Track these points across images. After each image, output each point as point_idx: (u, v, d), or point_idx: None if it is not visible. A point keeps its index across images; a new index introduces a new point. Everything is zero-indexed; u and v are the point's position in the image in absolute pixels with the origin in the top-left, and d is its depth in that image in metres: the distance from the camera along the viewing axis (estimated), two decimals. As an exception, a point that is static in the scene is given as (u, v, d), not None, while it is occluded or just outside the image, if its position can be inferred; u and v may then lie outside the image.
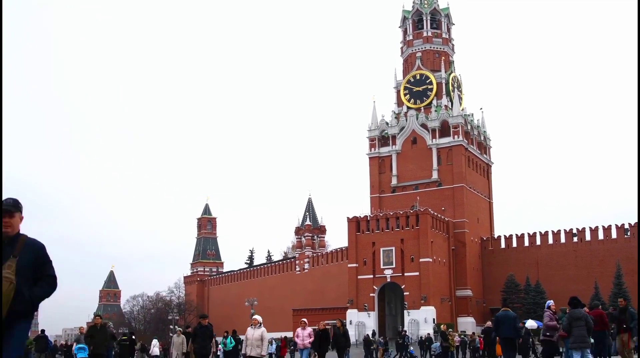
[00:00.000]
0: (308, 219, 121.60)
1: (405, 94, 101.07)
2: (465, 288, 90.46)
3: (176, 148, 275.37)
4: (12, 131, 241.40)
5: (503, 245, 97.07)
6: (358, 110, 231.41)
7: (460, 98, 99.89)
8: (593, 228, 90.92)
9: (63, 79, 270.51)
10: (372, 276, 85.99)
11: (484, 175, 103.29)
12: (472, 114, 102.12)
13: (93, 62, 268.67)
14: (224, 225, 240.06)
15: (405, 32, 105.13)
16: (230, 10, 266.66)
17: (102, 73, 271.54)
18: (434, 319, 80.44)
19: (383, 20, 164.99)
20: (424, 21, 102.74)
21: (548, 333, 18.64)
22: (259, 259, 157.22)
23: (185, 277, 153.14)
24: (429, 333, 58.81)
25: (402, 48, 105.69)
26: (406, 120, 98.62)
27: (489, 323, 33.15)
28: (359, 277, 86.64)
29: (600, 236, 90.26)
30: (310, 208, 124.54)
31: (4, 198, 5.51)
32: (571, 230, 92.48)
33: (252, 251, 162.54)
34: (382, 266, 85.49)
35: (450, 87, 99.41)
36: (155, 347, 40.13)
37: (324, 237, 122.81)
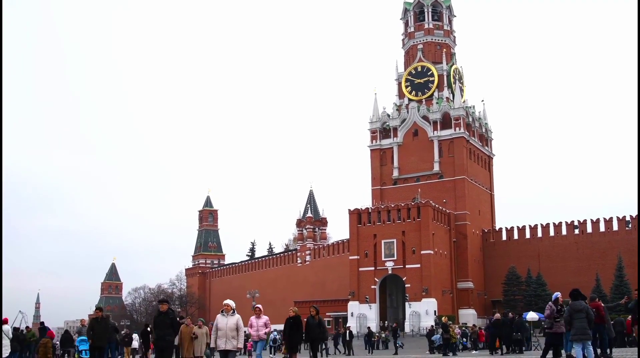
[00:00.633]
0: (309, 211, 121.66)
1: (406, 86, 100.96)
2: (466, 280, 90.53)
3: (178, 141, 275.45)
4: (14, 123, 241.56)
5: (504, 237, 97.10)
6: (359, 102, 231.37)
7: (461, 90, 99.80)
8: (594, 220, 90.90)
9: (65, 73, 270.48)
10: (373, 268, 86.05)
11: (486, 167, 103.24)
12: (474, 106, 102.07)
13: (95, 53, 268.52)
14: (225, 217, 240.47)
15: (406, 24, 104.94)
16: (232, 2, 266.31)
17: (104, 65, 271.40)
18: (435, 311, 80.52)
19: (384, 12, 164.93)
20: (426, 13, 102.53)
21: (545, 325, 18.70)
22: (261, 251, 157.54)
23: (186, 269, 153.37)
24: (432, 325, 58.83)
25: (403, 40, 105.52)
26: (407, 112, 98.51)
27: (497, 316, 33.02)
28: (360, 269, 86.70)
29: (602, 228, 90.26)
30: (311, 200, 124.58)
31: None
32: (572, 222, 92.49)
33: (253, 244, 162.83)
34: (383, 259, 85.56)
35: (452, 79, 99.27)
36: (135, 341, 39.99)
37: (325, 229, 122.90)
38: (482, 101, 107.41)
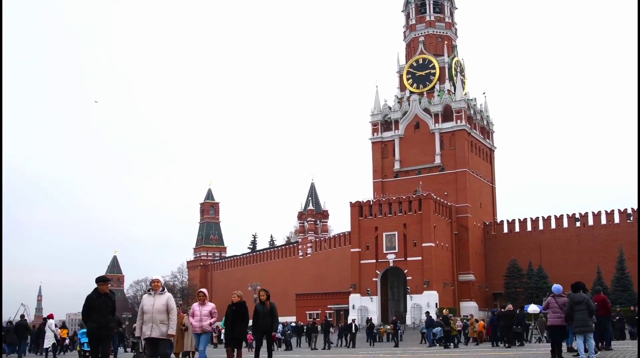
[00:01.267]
0: (311, 204, 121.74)
1: (408, 79, 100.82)
2: (467, 273, 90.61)
3: (179, 134, 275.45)
4: (16, 116, 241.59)
5: (506, 230, 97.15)
6: (361, 95, 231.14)
7: (463, 82, 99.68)
8: (596, 212, 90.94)
9: (70, 67, 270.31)
10: (374, 260, 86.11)
11: (487, 160, 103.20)
12: (475, 99, 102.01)
13: (100, 46, 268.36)
14: (226, 210, 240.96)
15: (408, 16, 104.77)
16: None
17: (109, 59, 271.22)
18: (436, 304, 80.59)
19: (385, 4, 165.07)
20: (427, 5, 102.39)
21: (544, 318, 18.76)
22: (262, 244, 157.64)
23: (188, 262, 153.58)
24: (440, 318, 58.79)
25: (404, 32, 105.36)
26: (409, 105, 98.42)
27: (510, 307, 32.93)
28: (362, 262, 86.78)
29: (603, 221, 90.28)
30: (313, 193, 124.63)
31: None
32: (574, 214, 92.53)
33: (254, 236, 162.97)
34: (384, 251, 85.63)
35: (453, 72, 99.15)
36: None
37: (326, 222, 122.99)
38: (484, 93, 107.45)
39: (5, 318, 35.36)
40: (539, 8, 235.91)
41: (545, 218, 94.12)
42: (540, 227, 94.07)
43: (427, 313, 46.01)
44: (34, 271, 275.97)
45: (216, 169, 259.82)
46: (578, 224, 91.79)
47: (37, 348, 34.74)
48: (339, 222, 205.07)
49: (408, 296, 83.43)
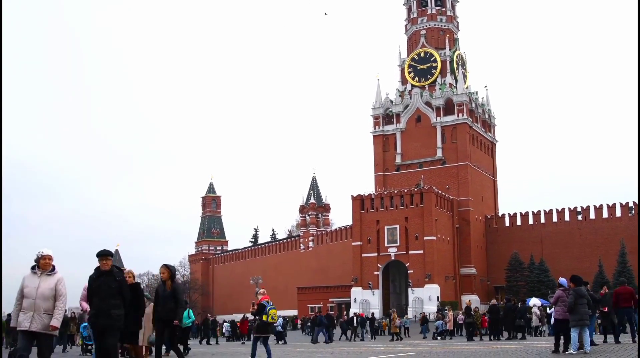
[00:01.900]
0: (312, 197, 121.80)
1: (409, 72, 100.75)
2: (469, 266, 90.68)
3: (181, 128, 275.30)
4: (18, 110, 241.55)
5: (507, 223, 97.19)
6: (362, 88, 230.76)
7: (464, 76, 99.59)
8: (597, 206, 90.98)
9: (72, 61, 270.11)
10: (376, 254, 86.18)
11: (489, 153, 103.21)
12: (477, 92, 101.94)
13: (101, 41, 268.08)
14: (228, 204, 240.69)
15: (409, 10, 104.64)
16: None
17: (110, 53, 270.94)
18: (438, 297, 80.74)
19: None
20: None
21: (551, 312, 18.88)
22: (264, 237, 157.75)
23: (190, 256, 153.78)
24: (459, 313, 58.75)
25: (406, 26, 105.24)
26: (410, 98, 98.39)
27: (493, 301, 33.07)
28: (364, 255, 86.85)
29: (605, 214, 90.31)
30: (314, 187, 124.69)
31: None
32: (575, 208, 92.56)
33: (256, 230, 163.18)
34: (386, 245, 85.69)
35: (455, 65, 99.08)
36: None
37: (328, 215, 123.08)
38: (485, 86, 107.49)
39: (5, 313, 34.97)
40: (540, 0, 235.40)
41: (547, 211, 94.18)
42: (542, 220, 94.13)
43: (423, 314, 45.91)
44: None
45: (218, 162, 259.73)
46: (580, 217, 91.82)
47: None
48: (341, 215, 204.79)
49: (409, 289, 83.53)
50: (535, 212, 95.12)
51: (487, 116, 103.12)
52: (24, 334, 9.68)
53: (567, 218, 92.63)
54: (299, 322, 79.94)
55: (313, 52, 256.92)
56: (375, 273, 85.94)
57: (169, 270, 13.20)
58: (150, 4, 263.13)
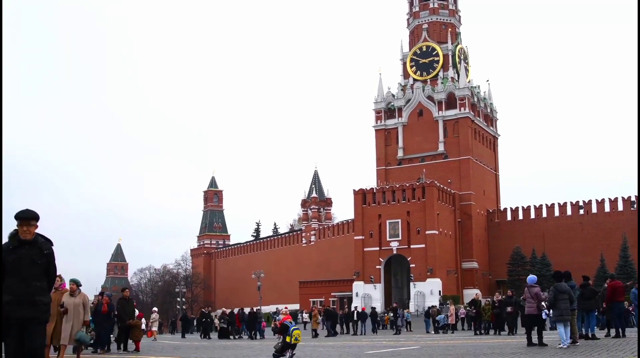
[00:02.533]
0: (314, 191, 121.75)
1: (411, 66, 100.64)
2: (471, 261, 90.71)
3: (183, 121, 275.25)
4: (22, 103, 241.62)
5: (509, 217, 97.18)
6: (364, 82, 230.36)
7: (466, 70, 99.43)
8: (599, 200, 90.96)
9: (74, 54, 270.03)
10: (378, 248, 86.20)
11: (490, 147, 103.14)
12: (479, 86, 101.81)
13: (105, 33, 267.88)
14: (230, 198, 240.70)
15: (411, 4, 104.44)
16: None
17: (114, 46, 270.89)
18: (439, 291, 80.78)
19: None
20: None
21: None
22: (266, 231, 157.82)
23: (192, 250, 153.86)
24: (435, 306, 58.71)
25: (408, 20, 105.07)
26: (412, 92, 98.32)
27: (497, 296, 33.02)
28: (365, 249, 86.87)
29: (607, 208, 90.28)
30: (316, 181, 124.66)
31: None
32: (577, 202, 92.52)
33: (258, 224, 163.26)
34: (388, 239, 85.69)
35: (457, 59, 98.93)
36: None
37: (330, 209, 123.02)
38: (487, 81, 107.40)
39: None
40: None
41: (549, 205, 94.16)
42: (544, 215, 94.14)
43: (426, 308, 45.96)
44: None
45: (220, 157, 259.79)
46: (582, 212, 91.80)
47: None
48: (343, 210, 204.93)
49: (411, 283, 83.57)
50: (537, 206, 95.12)
51: (489, 110, 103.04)
52: None
53: (569, 212, 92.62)
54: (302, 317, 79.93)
55: (315, 46, 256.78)
56: (377, 267, 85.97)
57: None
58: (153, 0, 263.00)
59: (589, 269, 63.88)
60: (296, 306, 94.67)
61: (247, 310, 44.38)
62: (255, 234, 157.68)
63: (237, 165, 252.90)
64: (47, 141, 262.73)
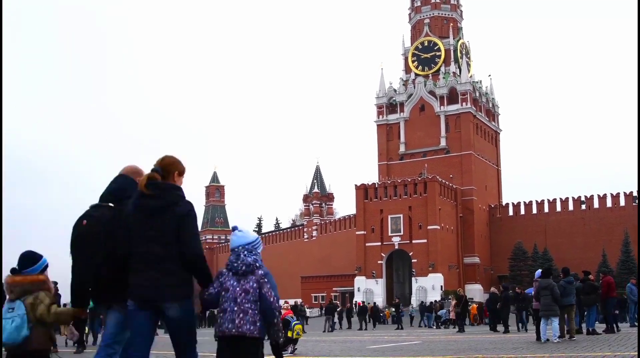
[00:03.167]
0: (316, 186, 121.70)
1: (413, 61, 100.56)
2: (472, 256, 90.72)
3: (185, 117, 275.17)
4: (31, 98, 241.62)
5: (511, 213, 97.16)
6: (366, 77, 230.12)
7: (468, 65, 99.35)
8: (601, 195, 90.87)
9: (77, 47, 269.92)
10: (380, 243, 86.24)
11: (492, 142, 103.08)
12: (481, 81, 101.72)
13: (108, 28, 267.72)
14: (232, 193, 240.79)
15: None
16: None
17: (116, 42, 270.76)
18: (441, 286, 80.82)
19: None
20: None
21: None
22: (267, 226, 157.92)
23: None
24: (436, 301, 58.72)
25: (410, 14, 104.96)
26: (414, 87, 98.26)
27: (493, 290, 32.89)
28: (367, 244, 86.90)
29: (609, 203, 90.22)
30: (318, 176, 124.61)
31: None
32: (579, 197, 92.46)
33: (260, 219, 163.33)
34: (390, 234, 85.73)
35: (459, 54, 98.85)
36: None
37: (331, 204, 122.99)
38: (489, 75, 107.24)
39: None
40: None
41: (551, 200, 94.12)
42: (546, 210, 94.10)
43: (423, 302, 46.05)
44: (41, 253, 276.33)
45: (221, 152, 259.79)
46: (583, 207, 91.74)
47: None
48: (344, 205, 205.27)
49: (413, 278, 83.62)
50: (539, 201, 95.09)
51: (490, 105, 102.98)
52: None
53: (570, 207, 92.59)
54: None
55: (316, 41, 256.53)
56: (379, 262, 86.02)
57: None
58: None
59: (591, 264, 63.83)
60: (298, 302, 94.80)
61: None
62: (257, 229, 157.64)
63: (238, 160, 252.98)
64: (49, 135, 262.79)
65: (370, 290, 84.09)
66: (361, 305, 51.34)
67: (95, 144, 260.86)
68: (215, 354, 5.41)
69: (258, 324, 5.30)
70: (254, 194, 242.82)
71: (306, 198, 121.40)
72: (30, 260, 5.98)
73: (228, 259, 5.77)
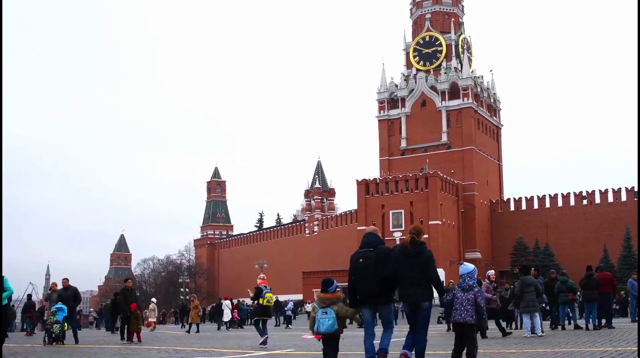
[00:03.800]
0: (317, 182, 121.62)
1: (414, 56, 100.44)
2: (474, 251, 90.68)
3: (186, 112, 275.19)
4: (27, 92, 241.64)
5: (512, 208, 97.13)
6: (367, 72, 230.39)
7: (469, 60, 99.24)
8: (603, 190, 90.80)
9: (80, 41, 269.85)
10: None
11: (494, 137, 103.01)
12: (482, 76, 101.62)
13: (113, 21, 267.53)
14: (233, 188, 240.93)
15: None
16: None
17: (120, 38, 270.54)
18: (443, 281, 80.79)
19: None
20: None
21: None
22: (269, 222, 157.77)
23: (195, 240, 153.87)
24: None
25: (411, 9, 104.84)
26: (415, 82, 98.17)
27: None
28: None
29: (610, 198, 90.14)
30: (319, 171, 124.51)
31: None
32: (581, 192, 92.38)
33: (261, 214, 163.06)
34: (391, 229, 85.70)
35: (460, 49, 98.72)
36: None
37: (333, 200, 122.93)
38: (491, 71, 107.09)
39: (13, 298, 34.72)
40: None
41: (552, 196, 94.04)
42: (547, 205, 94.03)
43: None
44: (42, 250, 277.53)
45: (223, 148, 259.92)
46: (585, 202, 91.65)
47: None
48: (346, 200, 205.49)
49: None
50: (541, 196, 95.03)
51: (492, 100, 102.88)
52: None
53: (572, 202, 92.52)
54: (305, 307, 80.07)
55: (318, 37, 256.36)
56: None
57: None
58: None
59: (592, 259, 63.58)
60: (300, 297, 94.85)
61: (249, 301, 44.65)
62: (258, 224, 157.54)
63: (240, 156, 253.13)
64: (54, 132, 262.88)
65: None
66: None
67: (98, 141, 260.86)
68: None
69: (474, 317, 9.45)
70: (256, 190, 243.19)
71: (307, 194, 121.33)
72: (329, 284, 9.88)
73: (459, 280, 10.00)
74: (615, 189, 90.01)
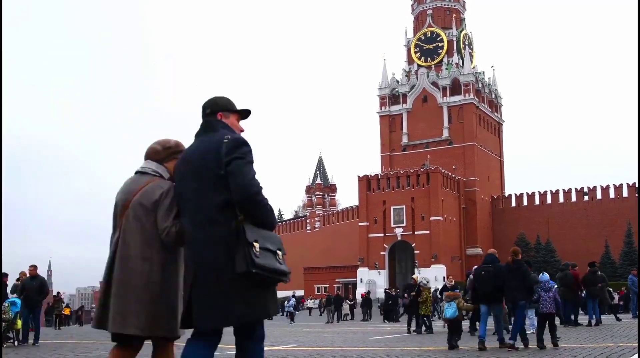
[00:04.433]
0: (319, 178, 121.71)
1: (416, 52, 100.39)
2: (475, 247, 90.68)
3: (186, 109, 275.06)
4: (33, 87, 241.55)
5: (514, 204, 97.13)
6: (369, 68, 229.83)
7: (471, 56, 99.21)
8: (604, 186, 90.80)
9: (84, 40, 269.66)
10: (382, 234, 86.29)
11: (495, 133, 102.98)
12: (483, 72, 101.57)
13: (106, 18, 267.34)
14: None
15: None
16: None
17: (123, 36, 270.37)
18: (444, 277, 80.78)
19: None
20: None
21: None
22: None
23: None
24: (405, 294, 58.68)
25: (412, 5, 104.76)
26: (417, 78, 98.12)
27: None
28: (370, 236, 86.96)
29: (611, 194, 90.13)
30: (320, 167, 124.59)
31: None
32: (582, 188, 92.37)
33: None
34: (392, 225, 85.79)
35: (461, 45, 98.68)
36: None
37: (334, 196, 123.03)
38: (492, 66, 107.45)
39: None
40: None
41: (553, 192, 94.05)
42: (548, 201, 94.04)
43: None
44: (45, 245, 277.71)
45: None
46: (586, 198, 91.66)
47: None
48: (347, 196, 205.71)
49: (416, 270, 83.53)
50: (542, 192, 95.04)
51: (493, 96, 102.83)
52: None
53: (573, 198, 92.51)
54: (306, 303, 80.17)
55: (319, 33, 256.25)
56: (382, 253, 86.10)
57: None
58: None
59: (594, 256, 63.89)
60: (301, 293, 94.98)
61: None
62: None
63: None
64: (63, 127, 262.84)
65: (373, 281, 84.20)
66: (364, 296, 51.30)
67: (100, 138, 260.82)
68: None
69: (554, 308, 12.91)
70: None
71: (309, 189, 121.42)
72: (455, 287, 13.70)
73: (541, 284, 13.24)
74: (617, 185, 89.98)
